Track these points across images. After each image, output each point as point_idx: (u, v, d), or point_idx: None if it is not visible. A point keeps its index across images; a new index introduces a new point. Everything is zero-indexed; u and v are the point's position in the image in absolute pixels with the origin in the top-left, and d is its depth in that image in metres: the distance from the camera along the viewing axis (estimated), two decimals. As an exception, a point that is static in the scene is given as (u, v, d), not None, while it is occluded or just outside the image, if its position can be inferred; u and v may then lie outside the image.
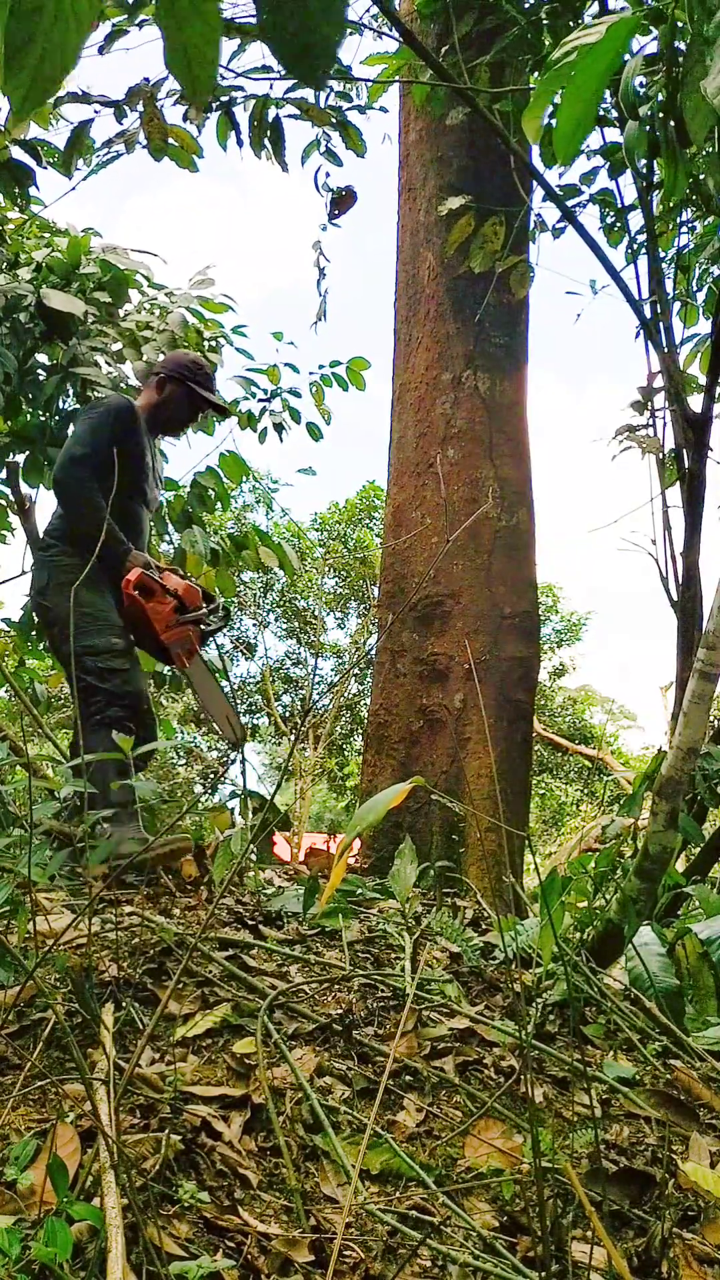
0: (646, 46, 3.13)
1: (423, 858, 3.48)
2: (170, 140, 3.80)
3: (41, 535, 3.34)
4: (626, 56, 2.57)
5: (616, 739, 16.41)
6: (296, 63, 0.71)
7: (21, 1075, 1.44)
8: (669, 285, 4.25)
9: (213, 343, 5.26)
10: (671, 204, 4.11)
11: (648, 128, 3.18)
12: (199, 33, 0.75)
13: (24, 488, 4.97)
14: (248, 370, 5.38)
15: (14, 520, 5.35)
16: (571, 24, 3.70)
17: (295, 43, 0.70)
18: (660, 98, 3.13)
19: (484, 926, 2.91)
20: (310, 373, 5.39)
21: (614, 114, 3.90)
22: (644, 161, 3.77)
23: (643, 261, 4.12)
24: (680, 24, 2.82)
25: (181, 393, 3.39)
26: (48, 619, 3.21)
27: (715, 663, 2.16)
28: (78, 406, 4.64)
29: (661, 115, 3.15)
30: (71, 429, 3.31)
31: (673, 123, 3.10)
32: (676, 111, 3.11)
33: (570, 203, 4.06)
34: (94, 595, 3.05)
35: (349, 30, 4.41)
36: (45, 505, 6.72)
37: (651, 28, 3.02)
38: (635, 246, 4.19)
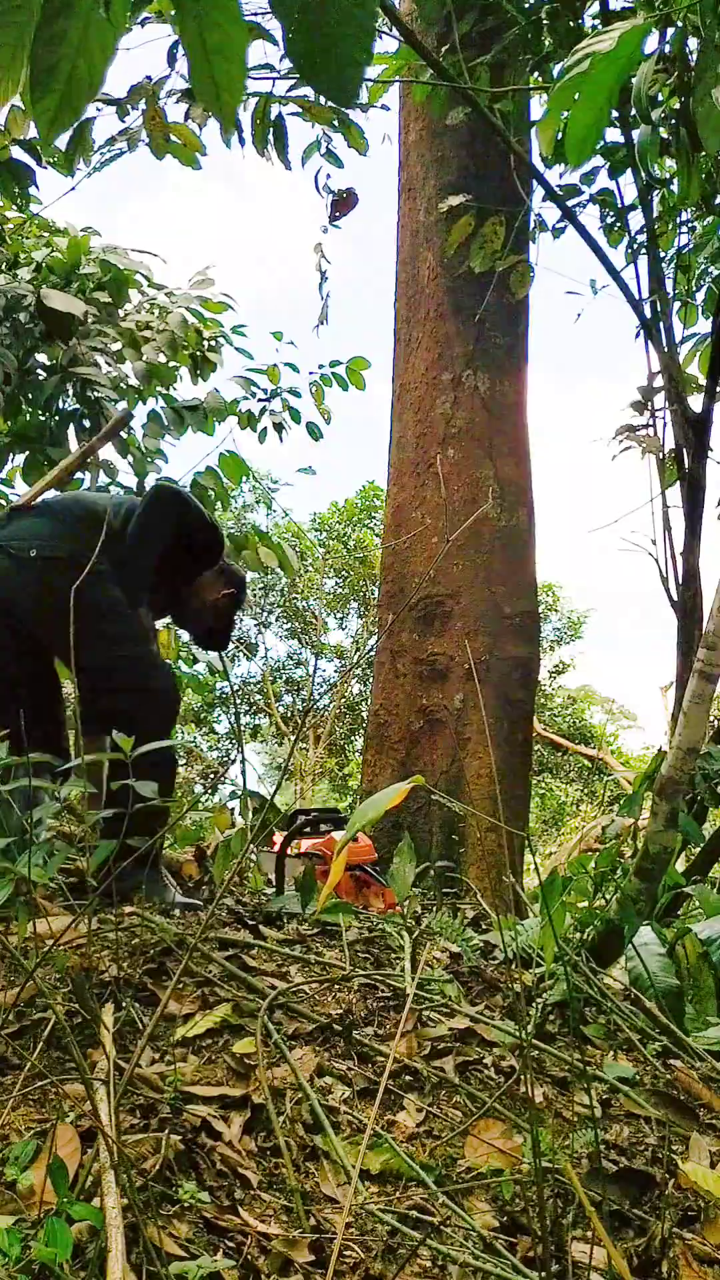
0: (654, 47, 3.12)
1: (423, 858, 3.48)
2: (172, 138, 3.80)
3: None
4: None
5: (616, 739, 16.41)
6: (323, 80, 0.70)
7: (21, 1075, 1.44)
8: (669, 285, 4.26)
9: (212, 342, 5.26)
10: (677, 205, 4.11)
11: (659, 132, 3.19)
12: (226, 60, 0.75)
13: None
14: (248, 370, 5.38)
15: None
16: (571, 23, 3.70)
17: (323, 62, 0.69)
18: (670, 101, 3.13)
19: (484, 926, 2.91)
20: (310, 373, 5.38)
21: (614, 114, 3.90)
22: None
23: (643, 261, 4.13)
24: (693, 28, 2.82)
25: (226, 613, 2.97)
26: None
27: (715, 663, 2.16)
28: (77, 406, 4.64)
29: (674, 120, 3.16)
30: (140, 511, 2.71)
31: (684, 129, 3.11)
32: (689, 117, 3.12)
33: (570, 202, 4.06)
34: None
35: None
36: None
37: (657, 30, 3.02)
38: (635, 246, 4.19)
